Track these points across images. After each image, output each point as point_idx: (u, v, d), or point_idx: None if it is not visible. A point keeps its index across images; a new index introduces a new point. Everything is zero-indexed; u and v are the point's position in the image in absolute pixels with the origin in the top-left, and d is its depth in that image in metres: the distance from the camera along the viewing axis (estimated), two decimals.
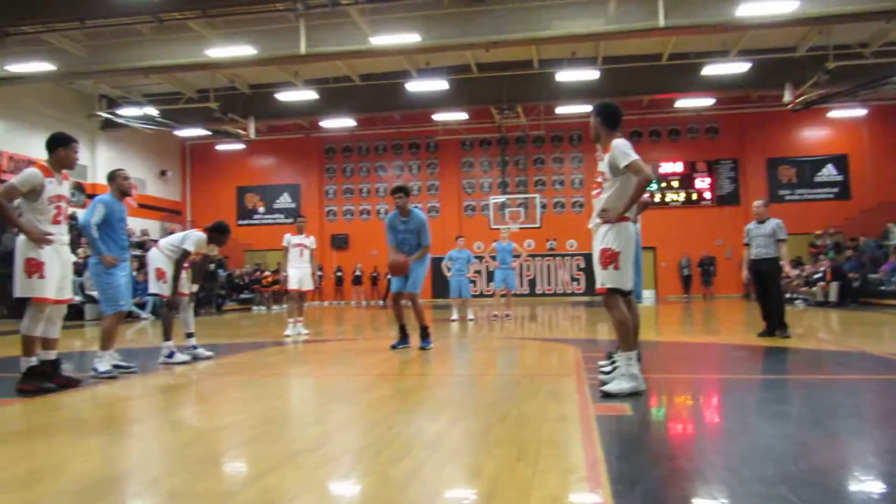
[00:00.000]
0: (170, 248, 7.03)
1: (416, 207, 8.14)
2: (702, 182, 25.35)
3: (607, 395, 4.35)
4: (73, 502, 2.50)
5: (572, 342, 8.57)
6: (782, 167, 24.76)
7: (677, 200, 25.38)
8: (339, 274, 26.65)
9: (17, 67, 15.94)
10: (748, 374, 5.98)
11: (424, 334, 7.73)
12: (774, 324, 8.51)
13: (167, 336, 6.92)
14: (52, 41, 15.94)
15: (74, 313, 15.24)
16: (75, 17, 14.63)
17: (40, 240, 4.96)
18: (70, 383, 5.32)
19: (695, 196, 25.36)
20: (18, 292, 5.08)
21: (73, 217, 9.52)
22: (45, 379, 5.18)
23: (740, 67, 18.79)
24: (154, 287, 7.07)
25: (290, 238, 10.56)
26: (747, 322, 11.94)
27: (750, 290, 21.51)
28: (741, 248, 9.44)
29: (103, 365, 5.87)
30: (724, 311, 15.79)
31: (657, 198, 24.79)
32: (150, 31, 15.97)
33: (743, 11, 13.65)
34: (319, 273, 23.67)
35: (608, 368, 5.23)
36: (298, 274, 10.45)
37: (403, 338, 7.85)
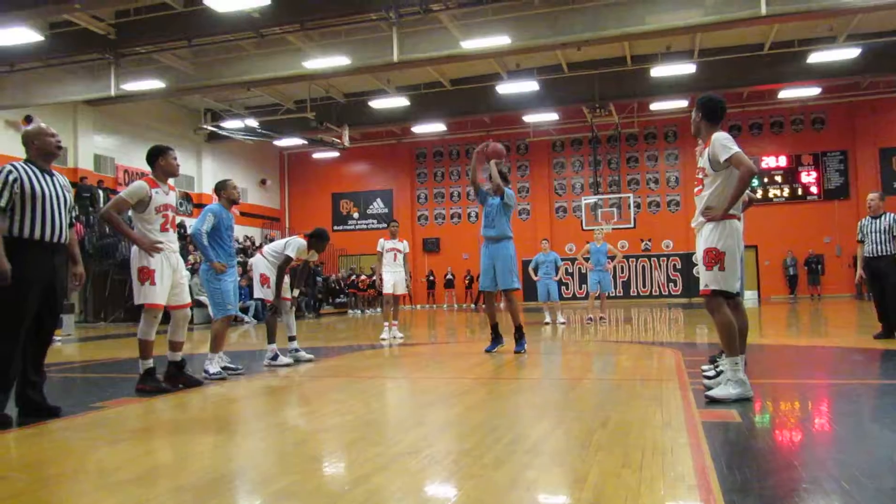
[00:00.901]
0: (273, 255, 7.31)
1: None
2: (807, 176, 24.10)
3: (713, 401, 4.21)
4: (192, 499, 2.64)
5: (671, 345, 8.32)
6: None
7: (781, 196, 24.24)
8: (430, 278, 26.94)
9: (130, 86, 17.02)
10: (864, 378, 5.63)
11: (519, 335, 7.63)
12: (892, 325, 7.99)
13: (271, 339, 7.19)
14: (162, 60, 16.93)
15: None
16: (183, 36, 15.49)
17: (150, 248, 5.26)
18: (193, 383, 5.64)
19: (800, 191, 24.15)
20: (135, 299, 5.42)
21: (181, 226, 10.07)
22: (165, 379, 5.51)
23: (849, 53, 17.72)
24: (258, 292, 7.37)
25: (384, 243, 10.75)
26: (860, 323, 11.25)
27: (863, 290, 20.26)
28: (852, 245, 8.93)
29: (213, 367, 6.18)
30: (835, 312, 14.93)
31: (758, 193, 23.73)
32: (251, 46, 16.70)
33: None
34: (408, 277, 23.92)
35: (711, 373, 5.05)
36: (393, 278, 10.61)
37: (496, 339, 7.80)
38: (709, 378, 4.90)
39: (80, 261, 4.77)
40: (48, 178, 4.39)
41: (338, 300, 24.08)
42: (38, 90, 17.37)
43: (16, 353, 4.20)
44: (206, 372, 6.13)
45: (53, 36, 15.51)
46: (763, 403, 4.33)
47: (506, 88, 20.01)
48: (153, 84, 17.21)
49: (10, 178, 4.18)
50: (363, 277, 24.32)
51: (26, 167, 4.31)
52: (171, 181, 5.64)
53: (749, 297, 21.87)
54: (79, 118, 19.33)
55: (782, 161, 24.30)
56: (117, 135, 20.89)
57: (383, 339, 10.21)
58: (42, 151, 4.43)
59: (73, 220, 4.61)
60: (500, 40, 14.85)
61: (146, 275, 5.29)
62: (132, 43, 16.02)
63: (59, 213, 4.37)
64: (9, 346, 4.16)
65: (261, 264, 7.35)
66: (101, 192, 18.99)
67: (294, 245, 7.24)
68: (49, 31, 15.37)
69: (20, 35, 14.41)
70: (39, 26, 14.63)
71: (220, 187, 6.54)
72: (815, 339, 9.11)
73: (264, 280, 7.27)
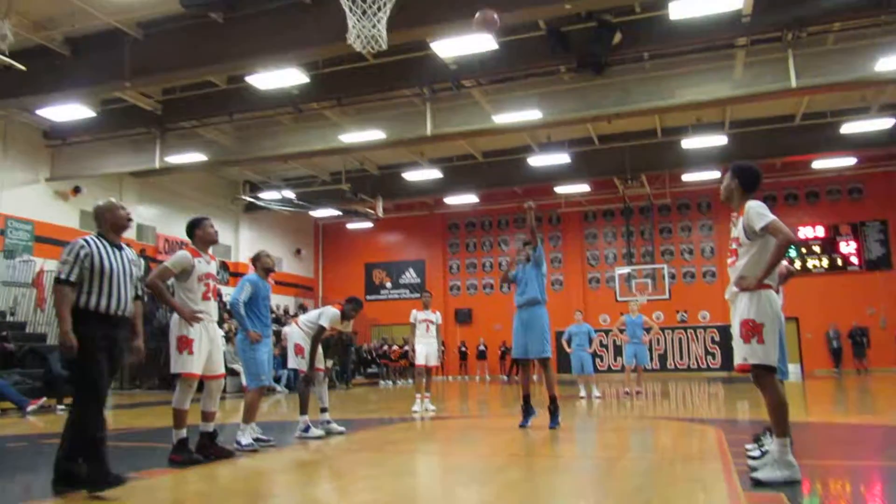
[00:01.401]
0: (307, 325, 7.33)
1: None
2: (847, 246, 23.66)
3: (759, 484, 4.03)
4: None
5: (712, 422, 8.06)
6: None
7: (820, 267, 23.77)
8: (463, 349, 26.71)
9: (174, 158, 17.61)
10: None
11: (554, 407, 7.38)
12: None
13: (303, 410, 7.13)
14: (205, 134, 17.56)
15: None
16: (225, 111, 16.11)
17: (191, 318, 5.33)
18: (224, 455, 5.59)
19: (840, 261, 23.66)
20: (172, 368, 5.46)
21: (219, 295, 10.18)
22: (197, 449, 5.48)
23: (883, 124, 17.63)
24: (293, 362, 7.36)
25: (416, 314, 10.73)
26: None
27: None
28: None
29: (245, 438, 6.13)
30: (882, 387, 14.38)
31: (797, 264, 23.32)
32: (289, 121, 17.26)
33: (882, 66, 12.90)
34: (441, 348, 23.82)
35: (756, 453, 4.85)
36: (425, 349, 10.53)
37: (528, 411, 7.55)
38: (754, 458, 4.71)
39: (141, 333, 4.80)
40: (117, 252, 4.49)
41: (369, 370, 23.94)
42: (87, 162, 18.06)
43: (96, 421, 4.26)
44: (238, 443, 6.08)
45: (104, 112, 16.23)
46: (812, 486, 4.14)
47: (537, 161, 20.25)
48: (195, 157, 17.78)
49: (82, 252, 4.30)
50: (395, 348, 24.21)
51: (97, 242, 4.42)
52: (211, 250, 5.77)
53: (792, 371, 21.19)
54: (124, 189, 19.98)
55: (820, 231, 23.95)
56: (159, 205, 21.50)
57: (415, 412, 10.07)
58: (114, 225, 4.57)
59: (139, 294, 4.69)
60: (531, 114, 15.12)
61: (185, 344, 5.35)
62: (177, 118, 16.68)
63: (125, 287, 4.46)
64: (91, 416, 4.23)
65: (295, 334, 7.38)
66: (142, 261, 19.40)
67: (328, 315, 7.27)
68: (100, 108, 16.10)
69: (75, 112, 15.15)
70: (92, 103, 15.33)
71: (256, 258, 6.67)
72: (865, 417, 8.75)
73: (298, 350, 7.28)
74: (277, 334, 20.17)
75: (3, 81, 13.32)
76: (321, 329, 7.19)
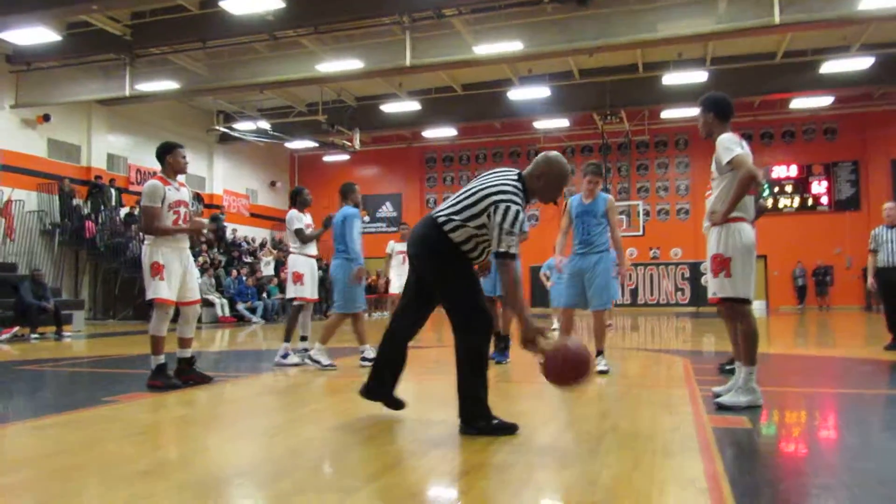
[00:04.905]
0: (294, 246, 7.37)
1: None
2: (818, 186, 23.98)
3: (723, 408, 4.20)
4: (196, 495, 2.66)
5: (679, 353, 8.31)
6: None
7: (791, 206, 24.12)
8: None
9: (144, 86, 17.13)
10: (874, 388, 5.61)
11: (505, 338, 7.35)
12: None
13: (288, 337, 7.22)
14: (177, 61, 17.05)
15: None
16: (197, 38, 15.58)
17: (197, 230, 5.75)
18: (203, 380, 5.67)
19: (810, 201, 24.02)
20: (147, 294, 5.47)
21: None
22: (175, 375, 5.56)
23: (862, 63, 17.65)
24: (291, 291, 7.36)
25: (393, 245, 10.81)
26: (870, 335, 11.19)
27: (872, 302, 20.14)
28: (862, 257, 8.87)
29: (324, 358, 6.81)
30: (843, 323, 14.85)
31: (769, 203, 23.61)
32: (264, 49, 16.80)
33: (866, 4, 12.84)
34: None
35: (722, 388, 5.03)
36: (400, 280, 10.65)
37: (504, 348, 7.53)
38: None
39: None
40: None
41: None
42: (54, 89, 17.49)
43: None
44: (318, 362, 6.76)
45: (70, 36, 15.64)
46: (773, 411, 4.33)
47: (517, 94, 20.03)
48: (167, 85, 17.31)
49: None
50: (372, 278, 24.29)
51: None
52: (181, 178, 5.72)
53: (757, 307, 21.76)
54: (93, 118, 19.45)
55: (793, 171, 24.20)
56: (130, 135, 21.00)
57: None
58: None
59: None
60: (513, 46, 14.87)
61: (156, 270, 5.37)
62: (147, 44, 16.13)
63: None
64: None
65: (292, 262, 7.37)
66: (112, 191, 19.11)
67: (291, 219, 7.31)
68: (66, 32, 15.50)
69: (38, 35, 14.54)
70: (57, 26, 14.74)
71: (347, 192, 6.99)
72: (825, 350, 9.07)
73: (297, 277, 7.27)
74: (251, 266, 20.15)
75: None
76: (300, 231, 7.22)
